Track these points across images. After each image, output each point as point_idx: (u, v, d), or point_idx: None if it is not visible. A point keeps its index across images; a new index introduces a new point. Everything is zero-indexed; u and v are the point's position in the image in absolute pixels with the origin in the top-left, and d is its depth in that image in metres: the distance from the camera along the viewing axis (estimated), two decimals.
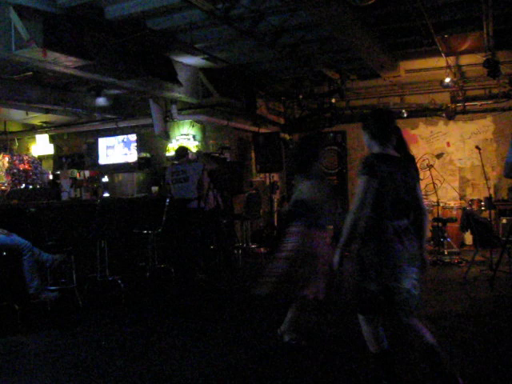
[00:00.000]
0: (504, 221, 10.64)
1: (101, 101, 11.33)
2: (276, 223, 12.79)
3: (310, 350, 4.85)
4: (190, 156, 9.30)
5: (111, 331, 5.76)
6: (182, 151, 9.09)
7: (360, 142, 13.34)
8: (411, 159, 3.78)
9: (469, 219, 8.53)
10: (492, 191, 11.44)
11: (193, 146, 12.00)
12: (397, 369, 3.87)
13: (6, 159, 12.06)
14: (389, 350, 3.74)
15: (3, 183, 11.01)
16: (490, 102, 12.07)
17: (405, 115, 12.59)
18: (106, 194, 10.45)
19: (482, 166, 9.06)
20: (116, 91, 10.77)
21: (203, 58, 9.70)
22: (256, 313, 6.32)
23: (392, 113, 4.01)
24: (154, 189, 10.85)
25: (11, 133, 14.15)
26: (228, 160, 11.14)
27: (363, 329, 3.73)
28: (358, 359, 4.56)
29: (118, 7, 7.34)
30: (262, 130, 12.67)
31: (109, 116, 12.24)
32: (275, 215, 12.87)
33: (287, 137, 13.72)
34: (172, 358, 4.79)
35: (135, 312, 6.57)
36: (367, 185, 3.49)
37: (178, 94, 10.10)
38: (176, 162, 9.31)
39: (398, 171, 3.59)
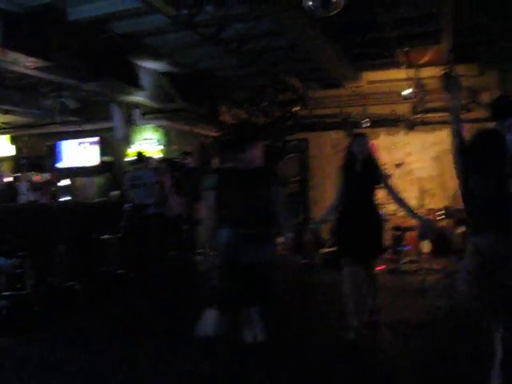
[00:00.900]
0: (461, 230, 10.84)
1: (63, 103, 11.18)
2: None
3: None
4: (149, 162, 9.27)
5: (66, 337, 5.68)
6: (140, 157, 9.07)
7: (322, 151, 13.48)
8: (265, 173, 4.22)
9: (426, 228, 8.67)
10: (450, 201, 11.67)
11: (156, 151, 11.95)
12: None
13: None
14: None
15: None
16: (448, 113, 12.29)
17: (367, 125, 12.73)
18: (67, 198, 10.32)
19: (440, 175, 9.23)
20: (78, 94, 10.65)
21: (167, 63, 9.67)
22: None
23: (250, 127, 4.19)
24: (115, 193, 10.75)
25: None
26: (190, 165, 11.11)
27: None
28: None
29: (81, 9, 7.25)
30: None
31: (71, 118, 12.09)
32: None
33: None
34: (123, 362, 4.75)
35: (92, 318, 6.49)
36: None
37: (141, 98, 10.04)
38: (134, 168, 9.27)
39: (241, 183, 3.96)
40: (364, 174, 5.62)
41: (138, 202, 8.66)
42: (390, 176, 10.94)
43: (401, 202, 5.81)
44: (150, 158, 9.94)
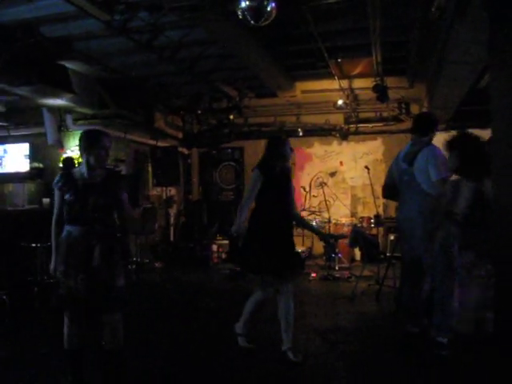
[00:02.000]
0: (392, 237, 11.14)
1: None
2: (172, 238, 12.74)
3: None
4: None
5: None
6: (68, 162, 8.90)
7: (257, 159, 13.53)
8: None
9: (357, 236, 8.89)
10: (381, 209, 11.98)
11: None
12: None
13: None
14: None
15: None
16: (380, 124, 12.65)
17: (300, 134, 12.92)
18: None
19: (371, 184, 9.48)
20: (7, 98, 10.34)
21: (101, 69, 9.54)
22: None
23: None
24: (46, 200, 10.47)
25: None
26: (123, 173, 10.96)
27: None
28: None
29: (9, 11, 7.05)
30: (160, 144, 12.58)
31: (0, 123, 11.73)
32: (171, 230, 12.82)
33: (185, 151, 13.73)
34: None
35: (21, 329, 6.31)
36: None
37: (73, 103, 9.83)
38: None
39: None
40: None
41: None
42: (324, 184, 11.23)
43: None
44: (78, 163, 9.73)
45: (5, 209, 9.87)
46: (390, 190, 5.72)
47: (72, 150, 11.80)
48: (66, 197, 4.07)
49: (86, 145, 4.10)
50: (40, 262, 7.81)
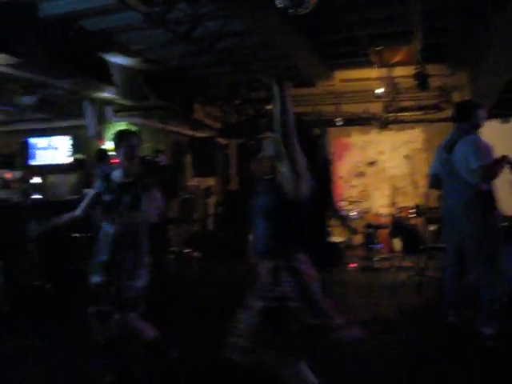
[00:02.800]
0: (432, 228, 10.97)
1: (34, 100, 11.04)
2: (211, 228, 12.81)
3: None
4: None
5: (37, 336, 5.64)
6: (102, 154, 9.02)
7: None
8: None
9: (397, 226, 8.80)
10: (421, 199, 11.82)
11: None
12: None
13: None
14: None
15: None
16: (420, 112, 12.45)
17: (340, 123, 12.83)
18: (38, 196, 10.20)
19: (411, 174, 9.37)
20: (50, 91, 10.53)
21: (140, 61, 9.62)
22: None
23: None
24: (87, 191, 10.65)
25: None
26: (162, 164, 11.07)
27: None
28: None
29: (51, 5, 7.17)
30: (199, 135, 12.66)
31: (42, 116, 11.95)
32: (210, 220, 12.89)
33: (223, 142, 13.77)
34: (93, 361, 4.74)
35: (64, 317, 6.44)
36: None
37: (113, 95, 9.96)
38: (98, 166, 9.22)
39: None
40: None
41: None
42: (363, 174, 11.15)
43: None
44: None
45: (47, 199, 10.05)
46: (435, 179, 5.64)
47: (111, 141, 11.96)
48: (104, 197, 4.23)
49: (114, 145, 4.27)
50: (81, 251, 7.96)
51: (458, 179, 5.16)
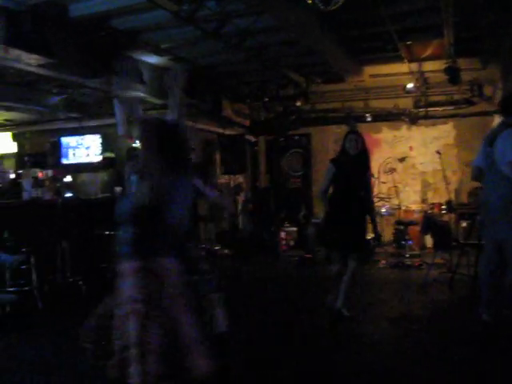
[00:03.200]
0: (464, 224, 10.83)
1: (64, 99, 11.18)
2: (240, 225, 12.83)
3: None
4: None
5: (70, 333, 5.70)
6: (131, 152, 9.12)
7: (324, 145, 13.47)
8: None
9: (429, 222, 8.69)
10: (453, 195, 11.67)
11: None
12: None
13: None
14: None
15: None
16: (451, 107, 12.28)
17: (368, 119, 12.73)
18: (69, 194, 10.32)
19: (443, 170, 9.25)
20: (80, 90, 10.66)
21: (169, 59, 9.67)
22: None
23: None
24: (118, 189, 10.74)
25: None
26: (192, 161, 11.10)
27: None
28: None
29: (82, 6, 7.25)
30: (228, 132, 12.67)
31: (73, 115, 12.10)
32: (239, 217, 12.90)
33: (252, 139, 13.77)
34: None
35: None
36: None
37: (143, 94, 10.03)
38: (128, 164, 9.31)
39: None
40: (354, 169, 5.70)
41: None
42: (393, 170, 11.02)
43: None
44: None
45: (79, 198, 10.17)
46: (477, 171, 5.51)
47: None
48: None
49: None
50: (113, 249, 8.04)
51: (497, 173, 5.05)
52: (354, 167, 5.69)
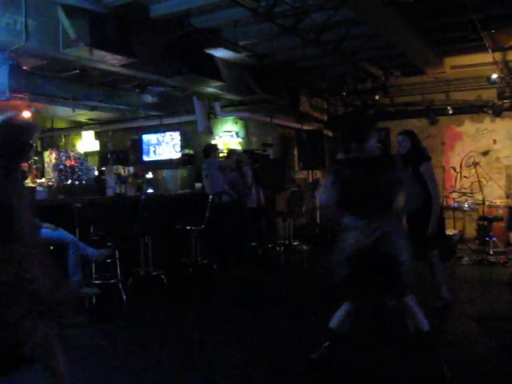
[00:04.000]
0: None
1: (145, 98, 11.47)
2: (319, 220, 12.76)
3: None
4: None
5: (154, 325, 5.86)
6: (206, 149, 9.30)
7: None
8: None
9: None
10: None
11: (235, 143, 12.09)
12: None
13: (54, 155, 12.38)
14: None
15: (50, 179, 11.30)
16: None
17: (450, 112, 12.40)
18: (150, 190, 10.60)
19: None
20: (160, 88, 10.90)
21: (246, 55, 9.73)
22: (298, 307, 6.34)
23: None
24: (198, 185, 10.94)
25: (58, 129, 14.48)
26: (270, 157, 11.16)
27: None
28: None
29: (162, 6, 7.41)
30: (305, 127, 12.63)
31: (153, 113, 12.39)
32: (318, 212, 12.84)
33: (330, 134, 13.67)
34: (215, 352, 4.84)
35: (178, 307, 6.65)
36: None
37: (221, 91, 10.17)
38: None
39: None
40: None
41: (208, 191, 8.94)
42: (476, 164, 10.66)
43: None
44: (217, 149, 10.07)
45: (160, 194, 10.42)
46: None
47: (220, 136, 12.22)
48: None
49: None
50: (194, 243, 8.20)
51: None
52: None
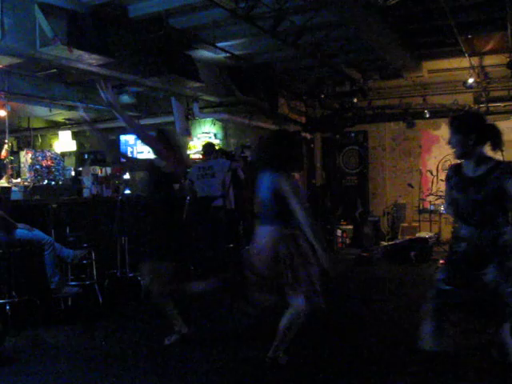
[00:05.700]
0: None
1: (123, 98, 11.39)
2: None
3: None
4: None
5: (130, 326, 5.81)
6: (209, 148, 9.15)
7: (381, 142, 13.31)
8: None
9: None
10: None
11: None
12: None
13: (29, 155, 12.20)
14: None
15: (26, 179, 11.14)
16: None
17: (427, 115, 12.50)
18: (128, 191, 10.51)
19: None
20: (138, 89, 10.85)
21: (225, 57, 9.72)
22: None
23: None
24: (175, 186, 10.87)
25: (35, 129, 14.32)
26: (249, 159, 11.14)
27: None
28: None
29: (141, 6, 7.38)
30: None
31: (131, 113, 12.30)
32: None
33: (308, 136, 13.71)
34: (193, 351, 4.82)
35: (154, 308, 6.59)
36: None
37: (200, 92, 10.14)
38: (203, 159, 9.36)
39: None
40: None
41: (203, 193, 8.74)
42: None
43: None
44: (219, 149, 9.97)
45: (138, 195, 10.33)
46: None
47: (198, 137, 12.18)
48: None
49: None
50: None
51: None
52: None
